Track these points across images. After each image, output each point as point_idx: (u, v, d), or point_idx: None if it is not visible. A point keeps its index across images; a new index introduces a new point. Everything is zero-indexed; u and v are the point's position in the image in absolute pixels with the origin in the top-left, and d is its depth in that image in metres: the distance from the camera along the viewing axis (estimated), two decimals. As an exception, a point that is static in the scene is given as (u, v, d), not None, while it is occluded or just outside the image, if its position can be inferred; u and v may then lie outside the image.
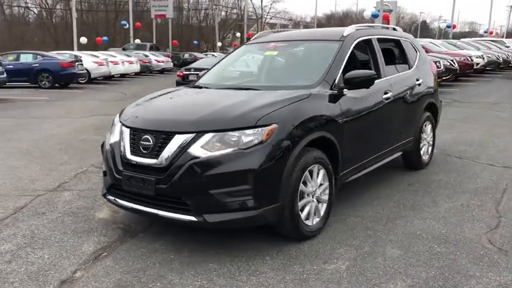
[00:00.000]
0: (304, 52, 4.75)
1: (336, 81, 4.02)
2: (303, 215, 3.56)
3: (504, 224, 3.93)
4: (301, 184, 3.48)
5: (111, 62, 22.76)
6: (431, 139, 5.88)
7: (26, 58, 18.12)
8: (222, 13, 67.09)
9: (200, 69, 15.88)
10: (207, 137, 3.24)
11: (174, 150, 3.27)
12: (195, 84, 4.60)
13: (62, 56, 19.33)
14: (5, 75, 14.00)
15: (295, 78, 4.30)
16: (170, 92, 4.31)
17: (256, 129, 3.26)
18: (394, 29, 5.64)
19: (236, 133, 3.25)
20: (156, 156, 3.35)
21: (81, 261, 3.32)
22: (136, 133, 3.56)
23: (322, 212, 3.78)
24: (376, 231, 3.81)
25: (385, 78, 4.76)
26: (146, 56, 29.34)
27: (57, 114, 10.99)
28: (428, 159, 5.81)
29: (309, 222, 3.63)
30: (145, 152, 3.43)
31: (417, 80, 5.37)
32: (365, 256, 3.37)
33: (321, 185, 3.74)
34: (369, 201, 4.54)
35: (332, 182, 3.84)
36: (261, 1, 71.52)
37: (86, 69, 20.05)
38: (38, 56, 18.24)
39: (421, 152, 5.61)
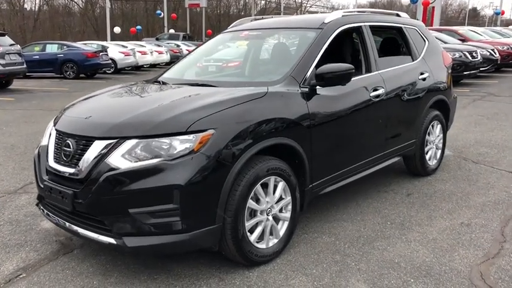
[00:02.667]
0: (276, 42, 4.14)
1: (307, 77, 3.40)
2: (253, 237, 2.99)
3: (506, 252, 3.22)
4: (249, 200, 2.91)
5: (139, 52, 22.60)
6: (441, 141, 5.13)
7: (52, 48, 18.16)
8: (261, 2, 66.36)
9: (221, 60, 15.45)
10: (129, 144, 2.72)
11: (92, 159, 2.77)
12: (157, 79, 4.08)
13: (88, 46, 19.28)
14: (25, 65, 13.95)
15: (259, 72, 3.73)
16: (118, 88, 3.81)
17: (188, 135, 2.70)
18: (398, 15, 4.91)
19: (165, 140, 2.71)
20: (76, 166, 2.87)
21: (-10, 285, 2.90)
22: (60, 137, 3.10)
23: (281, 233, 3.20)
24: (347, 256, 3.20)
25: (376, 73, 4.08)
26: (178, 45, 29.14)
27: (67, 106, 10.77)
28: (437, 164, 5.08)
29: (261, 245, 3.06)
30: (66, 159, 2.96)
31: (421, 73, 4.65)
32: (320, 291, 2.78)
33: (280, 200, 3.16)
34: (352, 215, 3.91)
35: (296, 196, 3.25)
36: (301, -11, 70.09)
37: (112, 60, 19.98)
38: (63, 47, 18.26)
39: (427, 157, 4.89)
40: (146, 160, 2.67)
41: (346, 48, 4.32)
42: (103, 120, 2.96)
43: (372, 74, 4.05)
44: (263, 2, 67.01)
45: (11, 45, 13.57)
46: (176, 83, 3.76)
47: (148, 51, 23.47)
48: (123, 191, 2.65)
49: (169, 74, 4.15)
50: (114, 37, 36.03)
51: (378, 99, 3.96)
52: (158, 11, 40.99)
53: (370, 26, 4.23)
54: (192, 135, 2.70)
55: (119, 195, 2.66)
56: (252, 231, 3.00)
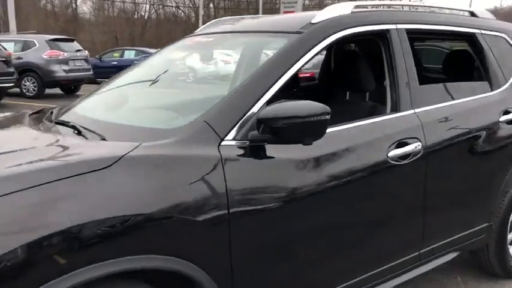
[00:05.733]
0: (228, 57, 2.57)
1: (246, 125, 1.78)
2: None
3: None
4: None
5: (223, 60, 21.80)
6: (538, 222, 3.12)
7: (129, 55, 18.01)
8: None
9: None
10: None
11: None
12: (64, 109, 2.66)
13: (166, 53, 18.87)
14: (91, 72, 13.58)
15: (163, 111, 2.16)
16: None
17: None
18: (473, 14, 3.01)
19: None
20: None
21: None
22: None
23: None
24: None
25: (408, 113, 2.30)
26: (267, 54, 28.17)
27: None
28: (530, 259, 3.08)
29: None
30: None
31: (506, 112, 2.73)
32: None
33: None
34: None
35: None
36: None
37: (191, 68, 19.36)
38: (140, 53, 17.96)
39: (511, 251, 2.94)
40: None
41: (355, 69, 2.55)
42: None
43: (399, 114, 2.28)
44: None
45: (78, 50, 13.26)
46: (59, 120, 2.28)
47: (233, 61, 22.62)
48: None
49: (84, 103, 2.68)
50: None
51: (405, 161, 2.19)
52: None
53: (409, 31, 2.45)
54: None
55: None
56: None
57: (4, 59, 10.87)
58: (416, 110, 2.33)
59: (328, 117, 1.71)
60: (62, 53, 12.52)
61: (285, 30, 2.21)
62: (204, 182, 1.62)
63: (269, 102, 1.85)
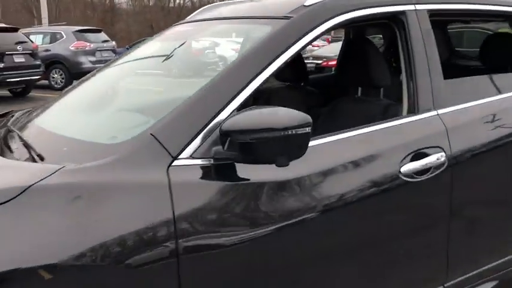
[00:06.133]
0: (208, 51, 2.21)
1: (207, 138, 1.40)
2: None
3: None
4: None
5: (195, 51, 21.39)
6: None
7: (159, 44, 17.81)
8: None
9: (321, 57, 13.04)
10: None
11: None
12: (28, 112, 2.32)
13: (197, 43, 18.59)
14: (118, 63, 13.48)
15: (116, 119, 1.78)
16: None
17: None
18: (516, -9, 2.48)
19: None
20: None
21: None
22: None
23: None
24: None
25: (429, 115, 1.84)
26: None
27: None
28: None
29: None
30: None
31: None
32: None
33: None
34: None
35: None
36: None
37: (222, 57, 19.03)
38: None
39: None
40: None
41: (367, 61, 2.09)
42: None
43: (416, 117, 1.82)
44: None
45: (104, 41, 13.16)
46: (12, 128, 1.96)
47: (206, 52, 22.15)
48: None
49: (46, 108, 2.34)
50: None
51: (424, 177, 1.73)
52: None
53: (432, 13, 1.98)
54: None
55: None
56: None
57: (31, 51, 10.84)
58: (440, 112, 1.86)
59: (309, 130, 1.30)
60: (88, 44, 12.44)
61: (270, 15, 1.78)
62: (142, 218, 1.24)
63: (242, 107, 1.46)
